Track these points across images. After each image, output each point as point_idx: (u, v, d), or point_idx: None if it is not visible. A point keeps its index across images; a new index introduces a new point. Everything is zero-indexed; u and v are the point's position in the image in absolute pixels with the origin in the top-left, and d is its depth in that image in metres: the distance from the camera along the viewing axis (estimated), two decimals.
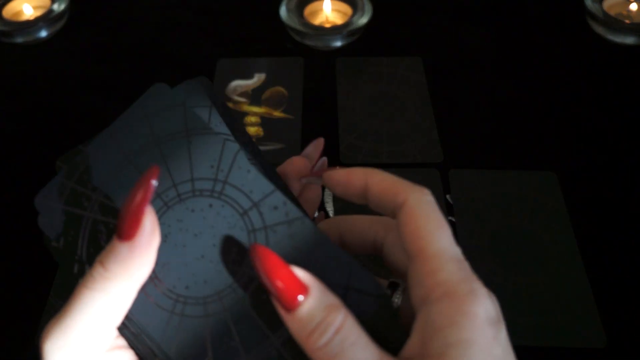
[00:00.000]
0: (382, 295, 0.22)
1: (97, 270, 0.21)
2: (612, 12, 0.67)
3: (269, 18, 0.69)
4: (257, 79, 0.63)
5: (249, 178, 0.24)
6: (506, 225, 0.50)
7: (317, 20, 0.68)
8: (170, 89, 0.26)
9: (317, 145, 0.31)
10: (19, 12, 0.70)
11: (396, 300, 0.24)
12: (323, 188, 0.53)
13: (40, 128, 0.60)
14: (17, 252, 0.49)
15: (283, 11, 0.66)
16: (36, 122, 0.60)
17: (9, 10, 0.69)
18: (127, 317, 0.23)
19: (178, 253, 0.24)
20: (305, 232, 0.23)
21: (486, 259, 0.48)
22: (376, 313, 0.22)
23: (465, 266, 0.22)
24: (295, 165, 0.29)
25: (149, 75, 0.62)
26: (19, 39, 0.67)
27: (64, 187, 0.25)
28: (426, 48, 0.66)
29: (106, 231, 0.24)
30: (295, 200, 0.28)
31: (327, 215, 0.51)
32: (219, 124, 0.26)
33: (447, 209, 0.51)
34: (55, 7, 0.68)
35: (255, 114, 0.60)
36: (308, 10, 0.68)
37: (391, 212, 0.24)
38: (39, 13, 0.69)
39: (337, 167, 0.27)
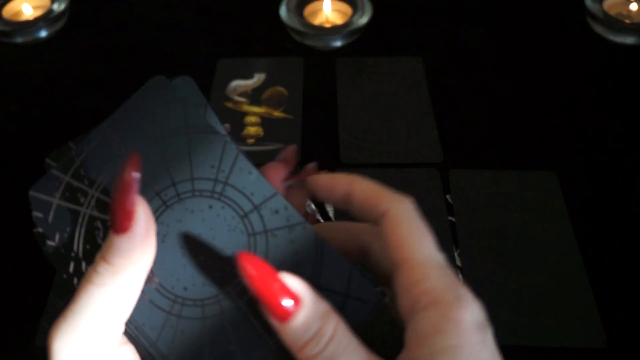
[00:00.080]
0: (381, 302, 0.22)
1: (102, 266, 0.21)
2: (612, 12, 0.67)
3: (269, 18, 0.69)
4: (257, 79, 0.63)
5: (250, 180, 0.24)
6: (506, 225, 0.50)
7: (317, 20, 0.68)
8: (170, 83, 0.26)
9: (290, 151, 0.30)
10: (19, 12, 0.69)
11: None
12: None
13: (40, 128, 0.60)
14: (17, 252, 0.49)
15: (283, 11, 0.66)
16: (36, 122, 0.60)
17: (8, 10, 0.69)
18: None
19: (177, 254, 0.23)
20: (305, 238, 0.23)
21: (486, 259, 0.48)
22: (374, 320, 0.22)
23: (450, 273, 0.22)
24: (274, 170, 0.29)
25: (149, 75, 0.61)
26: (19, 39, 0.67)
27: (59, 182, 0.25)
28: (426, 48, 0.66)
29: (103, 228, 0.24)
30: None
31: (327, 217, 0.51)
32: (215, 123, 0.25)
33: (447, 209, 0.51)
34: (55, 7, 0.68)
35: (255, 114, 0.60)
36: (308, 10, 0.68)
37: (373, 220, 0.24)
38: (38, 13, 0.69)
39: (323, 172, 0.27)
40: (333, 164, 0.55)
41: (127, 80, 0.63)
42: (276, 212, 0.23)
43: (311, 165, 0.30)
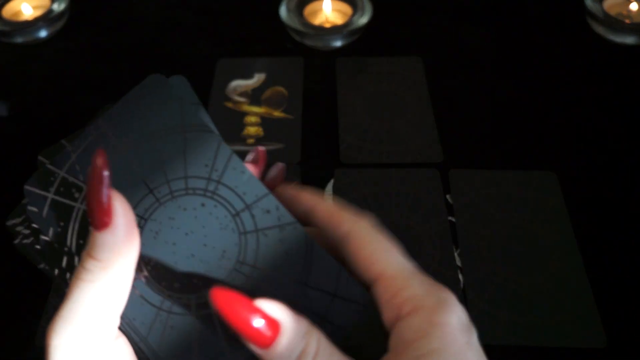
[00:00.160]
0: (368, 304, 0.22)
1: (90, 263, 0.21)
2: (612, 12, 0.67)
3: (269, 18, 0.69)
4: (257, 79, 0.63)
5: (243, 179, 0.24)
6: (506, 225, 0.50)
7: (317, 20, 0.68)
8: (167, 81, 0.26)
9: (259, 152, 0.30)
10: (19, 12, 0.69)
11: None
12: (321, 189, 0.53)
13: (40, 128, 0.60)
14: (17, 252, 0.49)
15: (283, 11, 0.66)
16: (36, 122, 0.60)
17: (8, 10, 0.69)
18: None
19: (168, 250, 0.23)
20: (296, 238, 0.23)
21: (486, 259, 0.48)
22: (361, 322, 0.22)
23: (426, 278, 0.22)
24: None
25: (148, 75, 0.62)
26: (19, 39, 0.67)
27: (55, 177, 0.25)
28: (426, 48, 0.66)
29: None
30: None
31: None
32: (208, 122, 0.25)
33: (447, 209, 0.51)
34: (55, 7, 0.68)
35: (255, 114, 0.60)
36: (308, 10, 0.68)
37: (334, 241, 0.24)
38: (38, 13, 0.69)
39: (293, 183, 0.28)
40: (333, 164, 0.55)
41: (127, 80, 0.63)
42: (267, 211, 0.23)
43: (280, 165, 0.30)
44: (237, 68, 0.64)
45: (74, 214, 0.24)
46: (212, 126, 0.25)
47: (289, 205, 0.26)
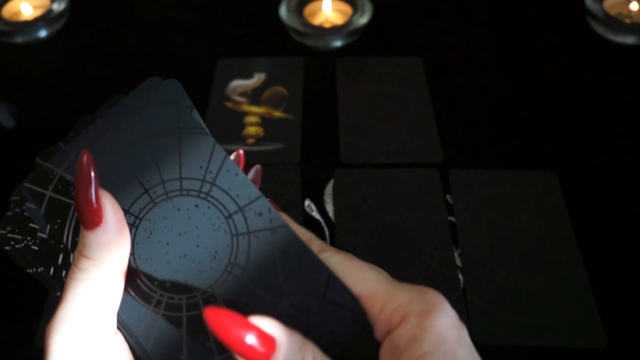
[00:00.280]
0: (357, 309, 0.22)
1: (84, 262, 0.21)
2: (612, 12, 0.67)
3: (269, 18, 0.69)
4: (257, 78, 0.63)
5: (236, 182, 0.24)
6: (506, 225, 0.50)
7: (317, 20, 0.68)
8: (164, 84, 0.26)
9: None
10: (19, 12, 0.69)
11: None
12: (321, 189, 0.53)
13: (40, 128, 0.60)
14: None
15: (283, 11, 0.66)
16: (36, 122, 0.60)
17: (8, 10, 0.69)
18: None
19: (161, 250, 0.24)
20: (287, 241, 0.23)
21: (486, 259, 0.48)
22: (350, 327, 0.22)
23: (406, 285, 0.23)
24: None
25: (148, 75, 0.62)
26: (19, 39, 0.67)
27: (53, 175, 0.25)
28: (426, 48, 0.66)
29: None
30: None
31: (327, 217, 0.51)
32: (203, 125, 0.26)
33: (447, 209, 0.51)
34: (55, 7, 0.68)
35: (255, 114, 0.60)
36: (308, 10, 0.68)
37: None
38: (38, 13, 0.69)
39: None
40: (333, 164, 0.55)
41: (126, 80, 0.63)
42: (260, 214, 0.24)
43: (258, 167, 0.30)
44: (237, 68, 0.64)
45: (71, 212, 0.24)
46: (206, 129, 0.26)
47: None
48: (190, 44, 0.68)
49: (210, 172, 0.24)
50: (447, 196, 0.52)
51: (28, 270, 0.26)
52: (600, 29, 0.66)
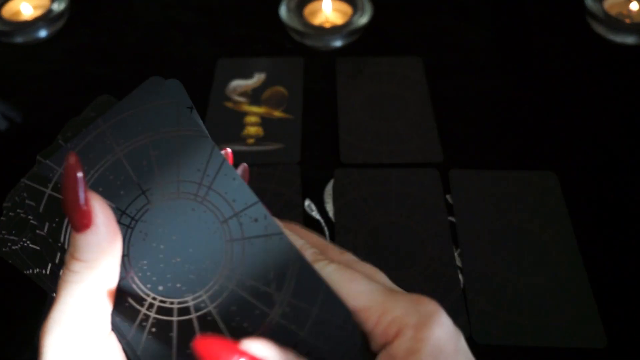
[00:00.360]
0: (349, 322, 0.22)
1: (76, 265, 0.21)
2: (612, 12, 0.67)
3: (269, 18, 0.69)
4: (257, 78, 0.63)
5: (233, 186, 0.24)
6: (506, 225, 0.50)
7: (317, 20, 0.68)
8: (165, 84, 0.26)
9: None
10: (19, 12, 0.69)
11: None
12: (321, 189, 0.53)
13: (40, 128, 0.60)
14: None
15: (283, 11, 0.66)
16: (36, 122, 0.60)
17: (8, 10, 0.69)
18: None
19: (155, 253, 0.23)
20: (281, 249, 0.23)
21: (486, 259, 0.48)
22: (342, 340, 0.22)
23: (401, 294, 0.22)
24: None
25: (148, 75, 0.61)
26: (19, 39, 0.67)
27: (53, 173, 0.25)
28: (426, 48, 0.66)
29: None
30: None
31: (327, 217, 0.51)
32: (201, 126, 0.26)
33: (447, 209, 0.51)
34: (55, 7, 0.68)
35: (255, 114, 0.60)
36: (308, 10, 0.68)
37: None
38: (38, 13, 0.69)
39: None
40: (333, 164, 0.55)
41: (127, 80, 0.63)
42: (255, 220, 0.23)
43: (245, 166, 0.30)
44: (237, 68, 0.64)
45: None
46: (205, 131, 0.25)
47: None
48: (190, 44, 0.68)
49: (208, 175, 0.24)
50: (447, 196, 0.52)
51: (25, 272, 0.25)
52: (600, 29, 0.66)
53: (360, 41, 0.67)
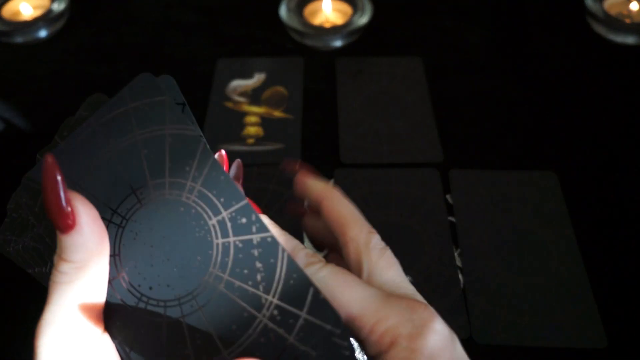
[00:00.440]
0: (340, 327, 0.22)
1: (64, 266, 0.21)
2: (612, 12, 0.67)
3: (269, 18, 0.69)
4: (257, 78, 0.63)
5: (221, 186, 0.23)
6: (506, 225, 0.50)
7: (317, 20, 0.68)
8: (156, 80, 0.26)
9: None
10: (18, 12, 0.69)
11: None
12: None
13: (40, 128, 0.60)
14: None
15: (283, 11, 0.66)
16: (36, 122, 0.60)
17: (8, 10, 0.69)
18: None
19: (145, 253, 0.23)
20: (270, 251, 0.23)
21: (486, 259, 0.48)
22: (331, 346, 0.22)
23: (395, 300, 0.22)
24: None
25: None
26: (19, 39, 0.67)
27: None
28: (426, 48, 0.66)
29: None
30: None
31: None
32: (192, 123, 0.25)
33: (447, 209, 0.51)
34: (55, 7, 0.68)
35: (255, 114, 0.60)
36: (308, 10, 0.68)
37: (338, 242, 0.26)
38: (38, 13, 0.69)
39: (314, 174, 0.29)
40: (333, 164, 0.55)
41: (127, 80, 0.63)
42: (244, 220, 0.23)
43: (239, 162, 0.30)
44: (237, 68, 0.64)
45: None
46: (197, 128, 0.25)
47: (301, 194, 0.28)
48: (190, 44, 0.68)
49: (196, 174, 0.24)
50: (447, 196, 0.52)
51: (29, 271, 0.25)
52: (600, 29, 0.66)
53: (360, 41, 0.67)
